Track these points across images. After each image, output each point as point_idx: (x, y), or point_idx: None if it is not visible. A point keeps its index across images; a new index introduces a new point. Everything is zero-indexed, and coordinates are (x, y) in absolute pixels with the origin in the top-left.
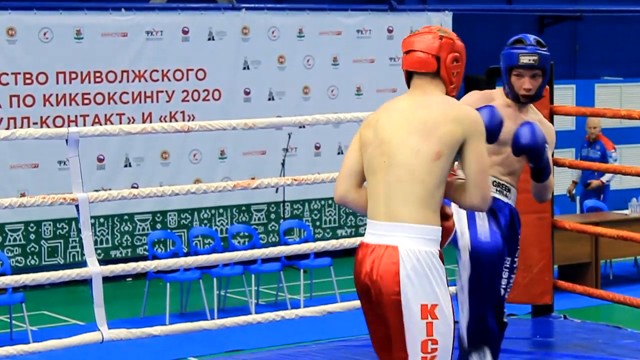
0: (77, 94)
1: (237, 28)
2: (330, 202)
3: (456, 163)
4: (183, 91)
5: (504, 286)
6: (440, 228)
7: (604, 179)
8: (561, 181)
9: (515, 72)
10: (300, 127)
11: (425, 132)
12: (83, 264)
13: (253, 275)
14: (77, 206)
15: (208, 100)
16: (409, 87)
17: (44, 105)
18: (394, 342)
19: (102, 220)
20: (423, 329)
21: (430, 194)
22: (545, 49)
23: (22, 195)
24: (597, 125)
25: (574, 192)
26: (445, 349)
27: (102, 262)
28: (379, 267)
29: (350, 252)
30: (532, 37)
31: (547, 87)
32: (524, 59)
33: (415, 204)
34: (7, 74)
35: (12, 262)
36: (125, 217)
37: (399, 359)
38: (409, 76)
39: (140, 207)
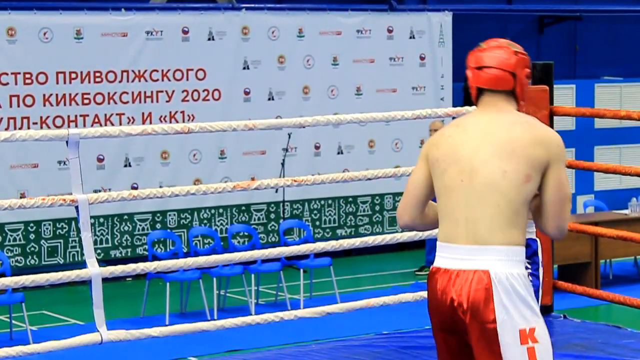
0: (77, 94)
1: (237, 28)
2: (330, 202)
3: None
4: (183, 91)
5: None
6: (524, 248)
7: None
8: None
9: None
10: (300, 127)
11: (510, 152)
12: (83, 263)
13: (253, 275)
14: (76, 207)
15: (208, 100)
16: (476, 103)
17: (44, 105)
18: None
19: (102, 220)
20: (524, 356)
21: (519, 214)
22: None
23: (22, 195)
24: (439, 127)
25: None
26: None
27: (102, 262)
28: (469, 294)
29: (350, 252)
30: None
31: (547, 87)
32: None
33: (502, 225)
34: (7, 74)
35: (12, 262)
36: (125, 217)
37: None
38: (479, 92)
39: (140, 207)
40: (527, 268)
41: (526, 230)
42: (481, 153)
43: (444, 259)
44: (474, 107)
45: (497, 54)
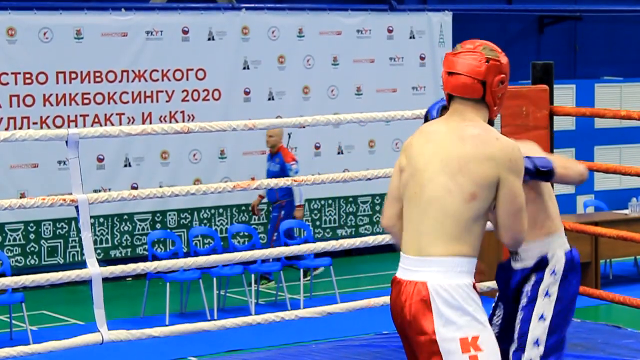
0: (77, 94)
1: (237, 28)
2: (330, 202)
3: None
4: (183, 91)
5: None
6: (472, 259)
7: (298, 201)
8: None
9: None
10: (300, 127)
11: (458, 170)
12: (83, 263)
13: (253, 275)
14: (76, 207)
15: (208, 100)
16: (448, 106)
17: (44, 105)
18: None
19: (101, 220)
20: None
21: (466, 230)
22: None
23: (22, 195)
24: (275, 134)
25: (258, 207)
26: None
27: (102, 261)
28: (410, 306)
29: (350, 252)
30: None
31: (547, 87)
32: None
33: (445, 239)
34: (7, 74)
35: (12, 262)
36: (125, 216)
37: None
38: (449, 97)
39: (140, 207)
40: (529, 284)
41: (476, 242)
42: (431, 168)
43: (399, 269)
44: None
45: (468, 60)
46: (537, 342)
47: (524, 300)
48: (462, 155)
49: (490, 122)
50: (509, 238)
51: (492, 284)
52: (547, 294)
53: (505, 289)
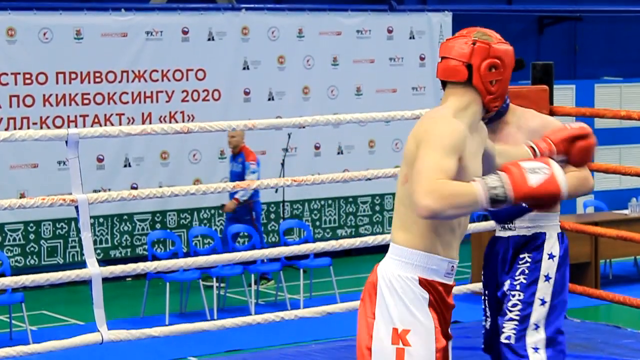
0: (77, 94)
1: (237, 28)
2: (330, 202)
3: None
4: (183, 91)
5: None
6: (427, 254)
7: (239, 196)
8: None
9: None
10: (300, 127)
11: (404, 154)
12: (83, 263)
13: (253, 275)
14: (76, 207)
15: (208, 100)
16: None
17: (44, 105)
18: None
19: (101, 220)
20: (392, 355)
21: (411, 218)
22: None
23: (22, 195)
24: (237, 134)
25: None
26: None
27: (102, 262)
28: (364, 289)
29: (350, 252)
30: None
31: (547, 87)
32: None
33: (397, 227)
34: (7, 74)
35: (12, 262)
36: (125, 217)
37: None
38: (443, 84)
39: (140, 207)
40: (526, 262)
41: (425, 235)
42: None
43: None
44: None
45: (455, 43)
46: (537, 326)
47: (521, 279)
48: (408, 140)
49: (500, 114)
50: (414, 204)
51: None
52: (547, 277)
53: (494, 260)
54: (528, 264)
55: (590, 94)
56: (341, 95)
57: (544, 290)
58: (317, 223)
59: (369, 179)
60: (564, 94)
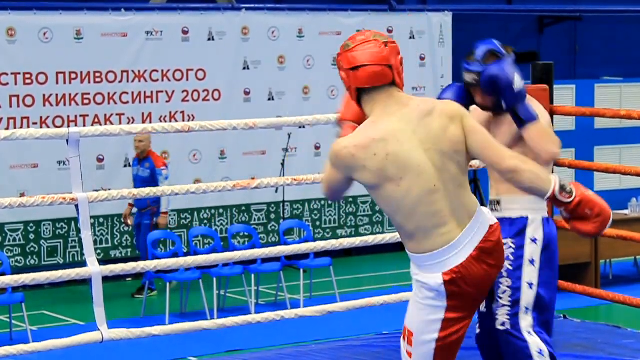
0: (77, 94)
1: (237, 28)
2: (330, 202)
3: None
4: (183, 91)
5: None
6: (421, 255)
7: (165, 208)
8: None
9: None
10: (300, 127)
11: (446, 140)
12: (83, 263)
13: (253, 275)
14: (76, 206)
15: (208, 100)
16: (359, 104)
17: (44, 105)
18: None
19: (101, 220)
20: (403, 347)
21: None
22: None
23: (22, 195)
24: (144, 139)
25: (132, 219)
26: None
27: (102, 261)
28: (499, 240)
29: (350, 252)
30: (483, 49)
31: (547, 87)
32: (467, 77)
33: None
34: (7, 74)
35: (12, 262)
36: None
37: None
38: (360, 93)
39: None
40: (510, 247)
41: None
42: (433, 153)
43: (461, 251)
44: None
45: (369, 49)
46: (527, 309)
47: (507, 265)
48: (444, 128)
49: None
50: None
51: None
52: (532, 261)
53: None
54: (512, 250)
55: (590, 93)
56: (341, 95)
57: (530, 274)
58: (317, 223)
59: None
60: (564, 94)
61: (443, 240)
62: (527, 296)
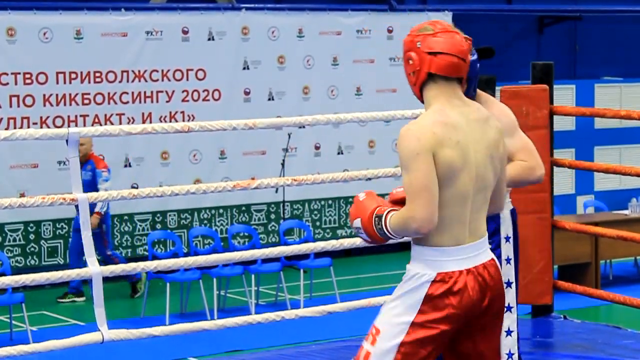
0: (77, 94)
1: (237, 28)
2: (330, 202)
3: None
4: (183, 91)
5: None
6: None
7: (99, 208)
8: (561, 181)
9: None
10: (300, 127)
11: (496, 153)
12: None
13: (253, 276)
14: (76, 206)
15: (208, 100)
16: (422, 88)
17: (44, 105)
18: (490, 350)
19: None
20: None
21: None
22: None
23: (22, 195)
24: (86, 142)
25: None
26: None
27: (102, 262)
28: (498, 281)
29: (350, 252)
30: None
31: (547, 87)
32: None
33: (483, 222)
34: (7, 74)
35: (12, 262)
36: (125, 217)
37: None
38: (429, 78)
39: (140, 207)
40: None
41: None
42: (482, 158)
43: (456, 262)
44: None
45: (453, 39)
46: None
47: None
48: (495, 139)
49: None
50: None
51: None
52: (508, 260)
53: None
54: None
55: (590, 93)
56: (341, 95)
57: (508, 272)
58: (317, 223)
59: (369, 179)
60: (564, 94)
61: (454, 240)
62: (509, 294)
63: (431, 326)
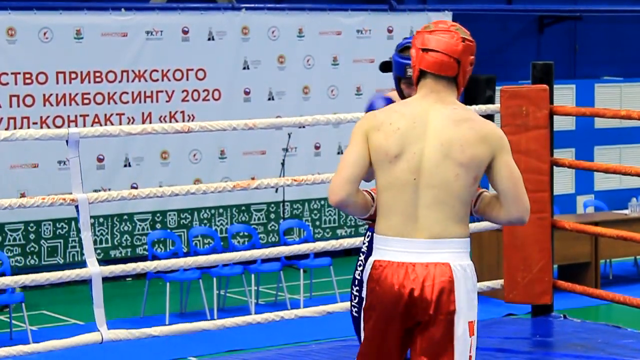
0: (77, 94)
1: (237, 28)
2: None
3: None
4: (183, 91)
5: None
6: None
7: None
8: (561, 181)
9: (404, 81)
10: (300, 127)
11: (460, 154)
12: (83, 263)
13: (253, 275)
14: (76, 207)
15: (208, 100)
16: (416, 84)
17: (44, 105)
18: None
19: (101, 220)
20: (469, 346)
21: (467, 211)
22: None
23: (22, 195)
24: None
25: None
26: None
27: (102, 262)
28: (433, 286)
29: (350, 252)
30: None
31: (547, 87)
32: (410, 72)
33: (457, 222)
34: (7, 74)
35: (12, 262)
36: (125, 217)
37: None
38: (421, 74)
39: (140, 207)
40: (363, 253)
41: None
42: (432, 153)
43: (396, 253)
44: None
45: (445, 38)
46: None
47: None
48: (462, 139)
49: None
50: (519, 212)
51: (492, 284)
52: None
53: None
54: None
55: (590, 93)
56: (341, 95)
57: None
58: (317, 223)
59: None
60: (564, 94)
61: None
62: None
63: (367, 313)
